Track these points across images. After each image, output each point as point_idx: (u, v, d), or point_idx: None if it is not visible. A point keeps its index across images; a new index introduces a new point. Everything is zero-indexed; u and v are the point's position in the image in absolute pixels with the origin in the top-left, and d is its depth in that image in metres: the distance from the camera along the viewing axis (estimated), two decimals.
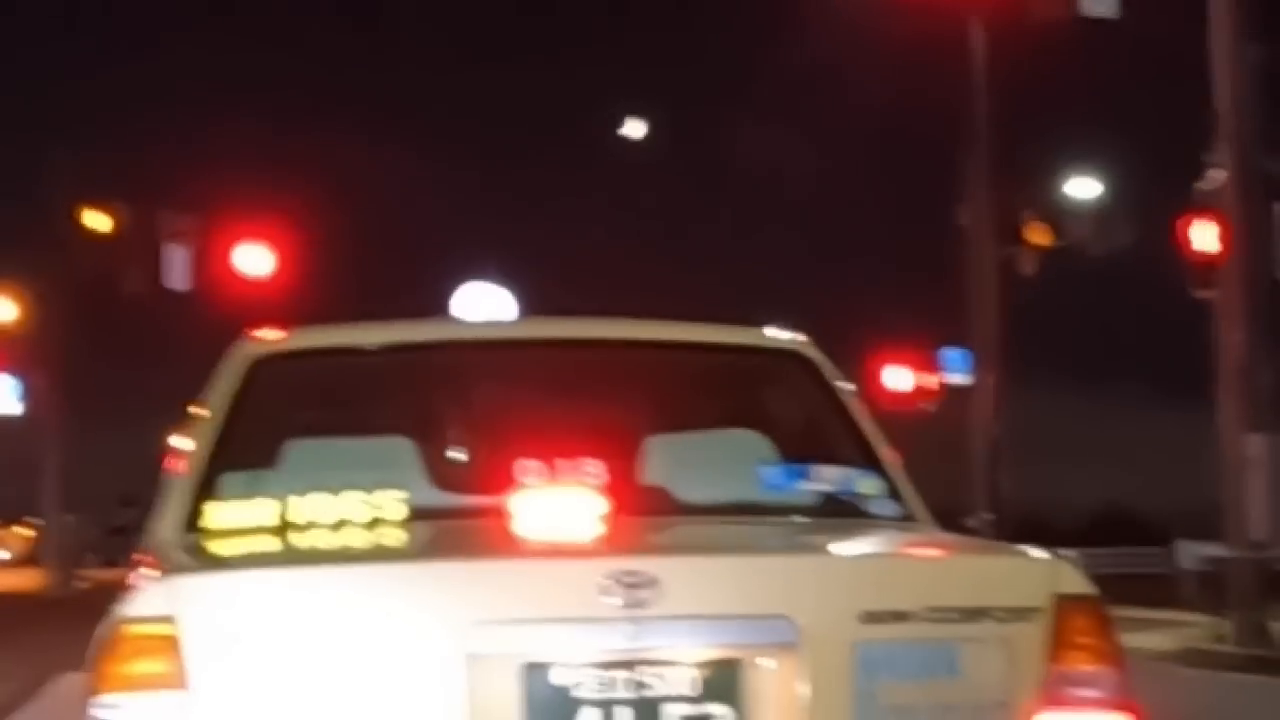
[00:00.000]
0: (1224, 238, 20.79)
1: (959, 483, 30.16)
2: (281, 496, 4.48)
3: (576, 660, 3.63)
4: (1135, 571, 41.49)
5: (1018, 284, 30.89)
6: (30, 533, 57.01)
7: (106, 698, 3.56)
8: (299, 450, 4.71)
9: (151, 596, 3.64)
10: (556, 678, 3.63)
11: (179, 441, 4.85)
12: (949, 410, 33.53)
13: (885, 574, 4.02)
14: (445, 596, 3.64)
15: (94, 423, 41.96)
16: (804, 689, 3.68)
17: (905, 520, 4.72)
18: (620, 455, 4.80)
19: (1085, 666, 3.81)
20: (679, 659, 3.66)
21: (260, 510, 4.47)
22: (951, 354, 34.02)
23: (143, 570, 3.98)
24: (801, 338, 5.29)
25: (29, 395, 38.04)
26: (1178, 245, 22.09)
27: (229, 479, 4.61)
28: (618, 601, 3.61)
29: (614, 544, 4.06)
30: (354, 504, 4.44)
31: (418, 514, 4.44)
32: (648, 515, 4.51)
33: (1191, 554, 30.33)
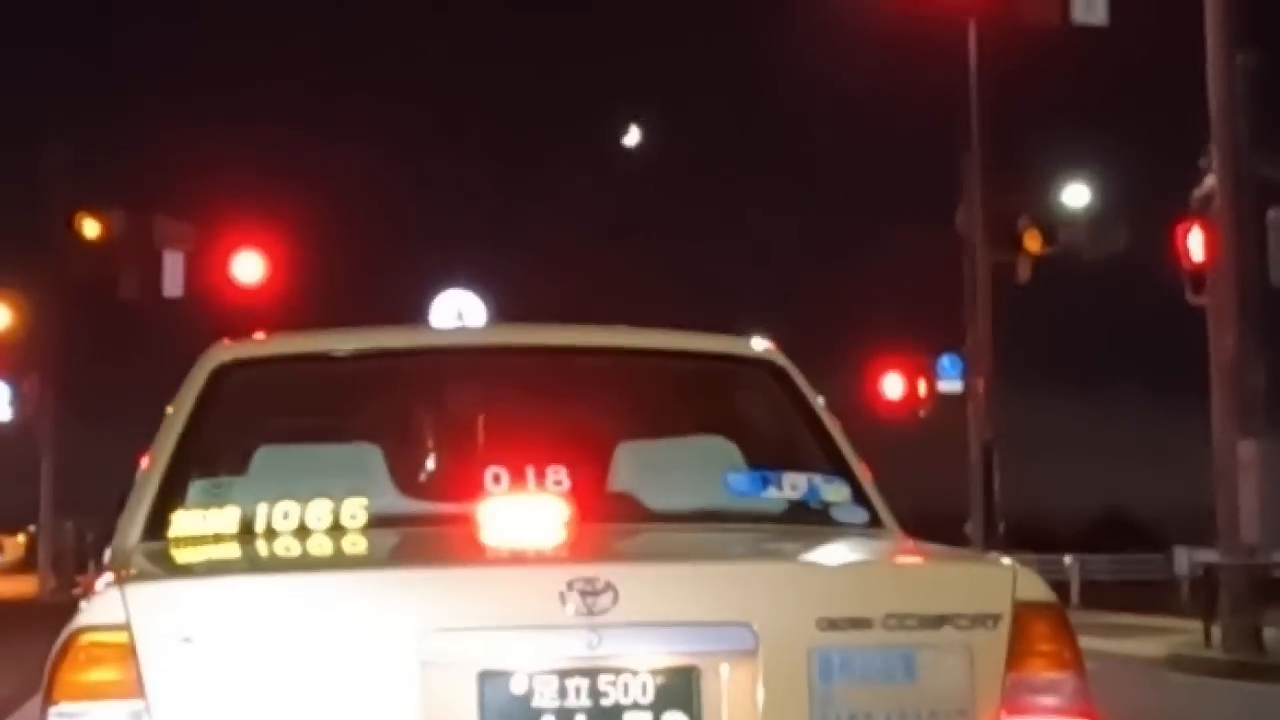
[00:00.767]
0: (1217, 243, 20.80)
1: (957, 489, 30.21)
2: (247, 503, 4.47)
3: (533, 668, 3.62)
4: (1133, 578, 41.51)
5: (1014, 289, 30.94)
6: (24, 538, 56.99)
7: (62, 706, 3.55)
8: (265, 457, 4.70)
9: (107, 604, 3.62)
10: (513, 685, 3.62)
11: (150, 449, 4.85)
12: (947, 416, 33.56)
13: (845, 581, 4.00)
14: (400, 603, 3.63)
15: (89, 428, 41.98)
16: (762, 696, 3.67)
17: (871, 527, 4.72)
18: (589, 462, 4.80)
19: (1045, 673, 3.80)
20: (637, 666, 3.65)
21: (223, 517, 4.46)
22: (946, 360, 34.06)
23: (101, 578, 3.98)
24: (770, 345, 5.29)
25: (22, 401, 38.04)
26: (1172, 250, 22.09)
27: (195, 486, 4.61)
28: (575, 609, 3.60)
29: (573, 551, 4.06)
30: (318, 511, 4.44)
31: (381, 521, 4.43)
32: (613, 522, 4.51)
33: (1188, 559, 30.36)
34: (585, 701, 3.63)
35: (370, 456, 4.68)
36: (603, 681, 3.64)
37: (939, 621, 3.76)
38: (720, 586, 3.79)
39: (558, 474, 4.67)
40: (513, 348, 5.27)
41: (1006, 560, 4.03)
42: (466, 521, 4.19)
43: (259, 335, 5.38)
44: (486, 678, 3.61)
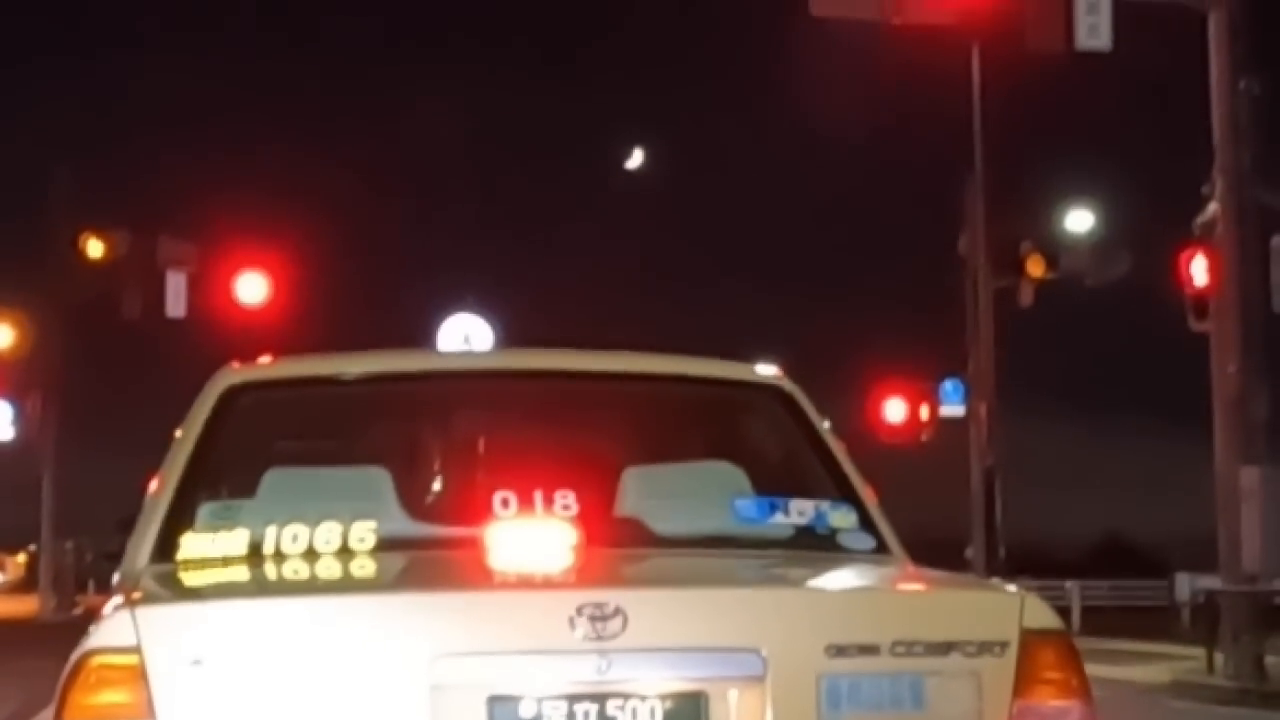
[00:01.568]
0: (1220, 270, 20.82)
1: (958, 513, 30.20)
2: (256, 526, 4.48)
3: (542, 692, 3.63)
4: (1135, 604, 41.44)
5: (1016, 315, 30.96)
6: (24, 558, 56.98)
7: None
8: (274, 479, 4.71)
9: (117, 626, 3.63)
10: (522, 710, 3.63)
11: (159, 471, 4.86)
12: (949, 441, 33.57)
13: (853, 607, 4.01)
14: (410, 627, 3.64)
15: (90, 448, 42.01)
16: None
17: (878, 553, 4.72)
18: (596, 487, 4.80)
19: (1053, 701, 3.81)
20: (645, 691, 3.66)
21: (232, 539, 4.48)
22: (949, 385, 34.06)
23: (112, 600, 3.99)
24: (777, 371, 5.30)
25: (24, 420, 38.02)
26: (1175, 276, 22.10)
27: (204, 508, 4.62)
28: (584, 633, 3.61)
29: (582, 576, 4.07)
30: (326, 534, 4.45)
31: (390, 544, 4.44)
32: (621, 547, 4.52)
33: (1190, 586, 30.31)
34: None
35: (379, 479, 4.68)
36: (611, 706, 3.64)
37: (947, 648, 3.76)
38: (729, 612, 3.80)
39: (565, 498, 4.67)
40: (520, 372, 5.28)
41: (1013, 587, 4.04)
42: (475, 545, 4.20)
43: (267, 358, 5.40)
44: (496, 702, 3.62)
